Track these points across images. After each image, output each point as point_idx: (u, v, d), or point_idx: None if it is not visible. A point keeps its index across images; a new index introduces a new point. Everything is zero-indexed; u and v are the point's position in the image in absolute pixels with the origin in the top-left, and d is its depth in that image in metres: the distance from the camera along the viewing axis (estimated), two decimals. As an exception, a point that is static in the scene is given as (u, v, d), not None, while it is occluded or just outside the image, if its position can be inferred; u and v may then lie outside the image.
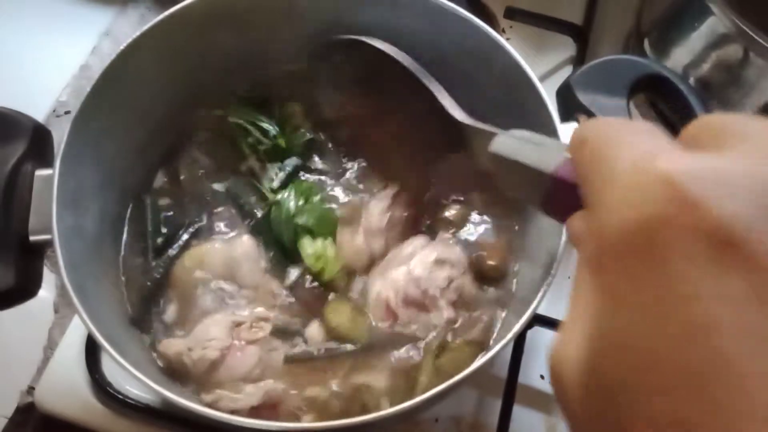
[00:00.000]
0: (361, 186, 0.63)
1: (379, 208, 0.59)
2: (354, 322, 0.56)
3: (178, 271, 0.59)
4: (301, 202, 0.59)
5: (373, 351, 0.56)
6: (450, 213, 0.62)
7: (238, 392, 0.53)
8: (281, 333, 0.56)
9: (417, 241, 0.59)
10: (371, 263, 0.59)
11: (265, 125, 0.63)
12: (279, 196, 0.60)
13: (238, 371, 0.54)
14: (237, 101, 0.65)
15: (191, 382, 0.55)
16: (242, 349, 0.54)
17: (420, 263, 0.56)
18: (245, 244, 0.59)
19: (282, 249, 0.59)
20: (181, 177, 0.64)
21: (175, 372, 0.55)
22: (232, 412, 0.51)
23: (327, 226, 0.58)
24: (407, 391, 0.54)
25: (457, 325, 0.57)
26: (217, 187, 0.63)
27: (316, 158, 0.64)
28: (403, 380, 0.55)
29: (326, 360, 0.56)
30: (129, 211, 0.63)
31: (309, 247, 0.57)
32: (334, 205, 0.61)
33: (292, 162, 0.63)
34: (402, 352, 0.56)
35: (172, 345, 0.56)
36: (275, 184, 0.61)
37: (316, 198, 0.60)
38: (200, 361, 0.54)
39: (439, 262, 0.56)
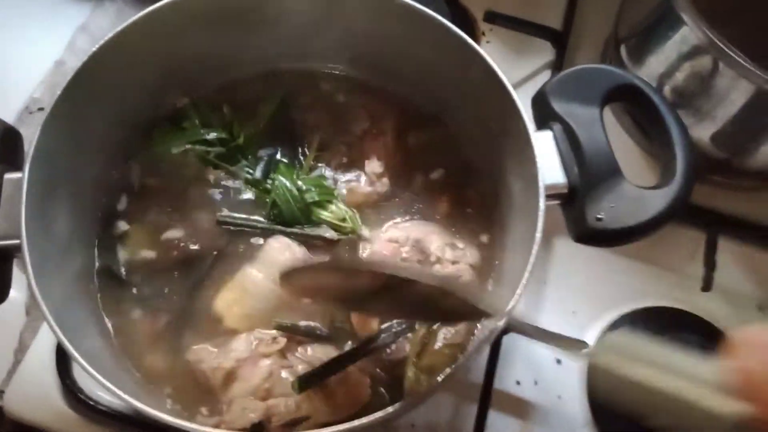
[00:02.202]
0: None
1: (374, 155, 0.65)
2: None
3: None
4: (298, 183, 0.63)
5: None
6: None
7: (244, 407, 0.53)
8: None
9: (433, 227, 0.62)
10: (381, 198, 0.64)
11: (212, 135, 0.64)
12: (275, 185, 0.62)
13: (248, 383, 0.54)
14: (159, 129, 0.66)
15: (208, 395, 0.55)
16: (256, 361, 0.55)
17: (438, 238, 0.60)
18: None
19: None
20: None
21: (196, 384, 0.56)
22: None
23: (328, 193, 0.63)
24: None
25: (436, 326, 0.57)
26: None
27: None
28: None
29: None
30: (101, 216, 0.62)
31: (327, 215, 0.62)
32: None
33: (266, 152, 0.66)
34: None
35: (196, 353, 0.56)
36: (258, 174, 0.64)
37: (304, 175, 0.64)
38: (218, 369, 0.55)
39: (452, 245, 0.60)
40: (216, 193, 0.64)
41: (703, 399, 0.27)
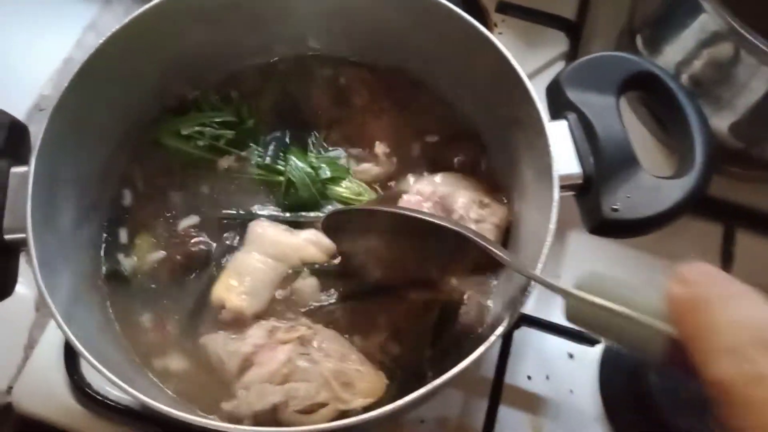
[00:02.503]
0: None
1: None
2: None
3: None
4: (311, 162, 0.64)
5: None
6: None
7: (262, 394, 0.53)
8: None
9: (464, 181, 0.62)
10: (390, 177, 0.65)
11: (221, 119, 0.64)
12: (289, 166, 0.63)
13: (266, 368, 0.53)
14: (165, 118, 0.66)
15: (221, 383, 0.55)
16: (274, 347, 0.55)
17: (467, 194, 0.60)
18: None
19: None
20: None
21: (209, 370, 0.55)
22: (251, 415, 0.52)
23: (341, 169, 0.64)
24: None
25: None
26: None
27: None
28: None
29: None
30: (107, 210, 0.61)
31: (343, 190, 0.63)
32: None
33: (274, 135, 0.66)
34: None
35: (212, 338, 0.56)
36: (267, 159, 0.64)
37: (316, 154, 0.65)
38: (234, 354, 0.54)
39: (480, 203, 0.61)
40: (224, 185, 0.64)
41: (647, 321, 0.34)
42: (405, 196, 0.61)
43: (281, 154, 0.65)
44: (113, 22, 0.93)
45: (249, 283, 0.58)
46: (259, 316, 0.57)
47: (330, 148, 0.66)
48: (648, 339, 0.33)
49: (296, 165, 0.63)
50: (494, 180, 0.63)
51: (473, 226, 0.58)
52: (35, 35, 0.90)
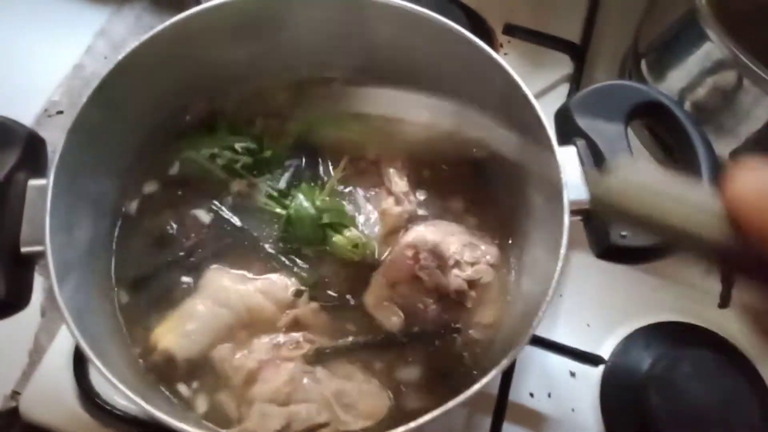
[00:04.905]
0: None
1: (397, 174, 0.64)
2: None
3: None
4: (316, 203, 0.62)
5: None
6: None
7: (264, 413, 0.53)
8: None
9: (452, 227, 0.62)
10: (411, 219, 0.63)
11: (241, 144, 0.64)
12: (292, 204, 0.62)
13: (270, 385, 0.54)
14: (188, 134, 0.66)
15: (228, 396, 0.55)
16: (278, 364, 0.55)
17: (456, 240, 0.60)
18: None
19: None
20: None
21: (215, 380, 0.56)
22: None
23: (345, 218, 0.62)
24: None
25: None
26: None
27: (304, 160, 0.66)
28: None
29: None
30: (120, 222, 0.62)
31: (340, 239, 0.61)
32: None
33: (291, 166, 0.65)
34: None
35: (218, 350, 0.56)
36: (282, 185, 0.63)
37: (325, 197, 0.63)
38: (240, 369, 0.55)
39: (471, 245, 0.60)
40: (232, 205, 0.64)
41: (698, 218, 0.30)
42: (396, 252, 0.61)
43: (293, 187, 0.64)
44: (123, 29, 0.95)
45: (190, 327, 0.56)
46: (193, 363, 0.56)
47: (348, 189, 0.65)
48: (705, 225, 0.30)
49: (300, 202, 0.61)
50: (496, 226, 0.64)
51: (470, 269, 0.59)
52: (45, 41, 0.90)
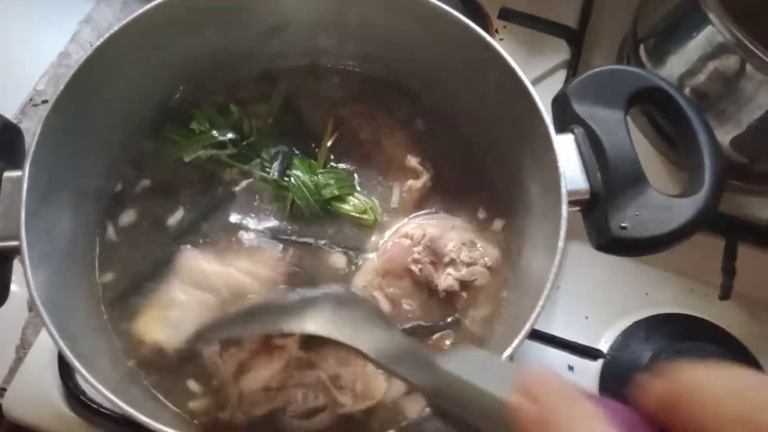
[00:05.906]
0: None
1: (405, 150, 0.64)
2: None
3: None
4: (314, 178, 0.62)
5: None
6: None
7: (258, 400, 0.52)
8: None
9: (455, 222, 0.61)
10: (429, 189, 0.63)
11: (222, 137, 0.62)
12: (291, 183, 0.61)
13: (263, 373, 0.53)
14: (168, 127, 0.64)
15: (217, 390, 0.54)
16: (270, 352, 0.54)
17: (457, 236, 0.59)
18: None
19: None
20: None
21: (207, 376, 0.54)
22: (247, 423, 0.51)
23: (348, 185, 0.62)
24: None
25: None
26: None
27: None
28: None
29: None
30: (103, 213, 0.60)
31: (348, 208, 0.61)
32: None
33: (279, 149, 0.64)
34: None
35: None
36: (275, 173, 0.62)
37: (321, 168, 0.63)
38: (230, 359, 0.53)
39: (470, 244, 0.59)
40: (230, 195, 0.62)
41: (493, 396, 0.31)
42: (393, 240, 0.59)
43: (288, 168, 0.63)
44: (109, 16, 0.93)
45: (175, 316, 0.55)
46: (183, 353, 0.55)
47: (340, 163, 0.64)
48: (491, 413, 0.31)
49: (298, 180, 0.61)
50: (495, 199, 0.62)
51: (465, 270, 0.58)
52: (30, 29, 0.88)
